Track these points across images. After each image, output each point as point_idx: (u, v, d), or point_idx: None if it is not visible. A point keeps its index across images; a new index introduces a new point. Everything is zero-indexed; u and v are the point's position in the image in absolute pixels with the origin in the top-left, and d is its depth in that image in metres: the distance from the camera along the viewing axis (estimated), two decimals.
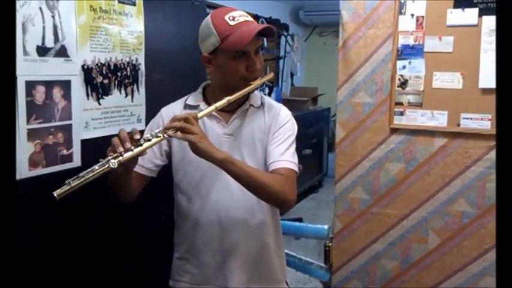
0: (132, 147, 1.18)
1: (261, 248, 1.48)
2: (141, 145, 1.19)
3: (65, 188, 1.08)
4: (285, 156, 1.39)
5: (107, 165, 1.14)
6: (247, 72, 1.36)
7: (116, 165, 1.14)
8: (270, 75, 1.51)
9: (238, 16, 1.34)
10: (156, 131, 1.23)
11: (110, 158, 1.15)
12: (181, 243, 1.50)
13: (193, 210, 1.44)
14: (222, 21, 1.32)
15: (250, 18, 1.36)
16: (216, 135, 1.37)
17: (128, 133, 1.21)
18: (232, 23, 1.32)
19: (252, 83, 1.38)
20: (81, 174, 1.11)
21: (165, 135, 1.22)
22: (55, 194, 1.07)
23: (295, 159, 1.42)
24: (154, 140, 1.21)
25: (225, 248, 1.44)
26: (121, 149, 1.17)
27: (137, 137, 1.21)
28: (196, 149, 1.22)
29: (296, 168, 1.40)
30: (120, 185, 1.32)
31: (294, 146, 1.44)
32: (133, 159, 1.21)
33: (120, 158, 1.16)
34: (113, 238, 1.64)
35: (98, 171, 1.13)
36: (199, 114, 1.29)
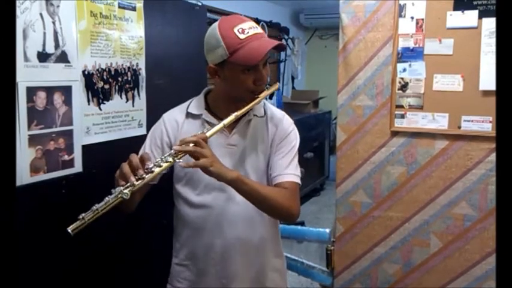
0: (144, 175, 1.17)
1: (262, 257, 1.48)
2: (151, 172, 1.18)
3: (79, 223, 1.09)
4: (289, 170, 1.40)
5: (119, 196, 1.13)
6: (254, 85, 1.34)
7: (129, 196, 1.14)
8: (275, 87, 1.50)
9: (247, 28, 1.29)
10: (166, 155, 1.21)
11: (122, 188, 1.14)
12: (181, 249, 1.50)
13: (195, 218, 1.43)
14: (230, 33, 1.28)
15: (259, 30, 1.32)
16: (219, 146, 1.36)
17: (139, 159, 1.19)
18: (242, 36, 1.27)
19: (258, 96, 1.36)
20: (94, 207, 1.11)
21: (176, 160, 1.20)
22: (69, 230, 1.08)
23: (298, 171, 1.43)
24: (164, 165, 1.19)
25: (226, 256, 1.43)
26: (132, 178, 1.15)
27: (149, 165, 1.19)
28: (208, 172, 1.22)
29: (299, 181, 1.41)
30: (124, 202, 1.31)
31: (296, 158, 1.44)
32: (144, 185, 1.20)
33: (132, 187, 1.15)
34: (114, 242, 1.64)
35: (110, 203, 1.12)
36: (208, 134, 1.26)
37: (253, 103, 1.36)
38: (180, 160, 1.20)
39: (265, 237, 1.47)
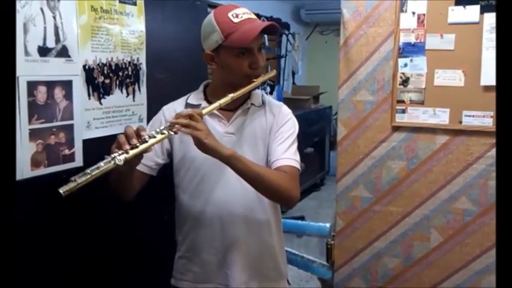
0: (138, 144, 1.17)
1: (262, 246, 1.49)
2: (146, 142, 1.18)
3: (71, 184, 1.07)
4: (287, 154, 1.40)
5: (112, 162, 1.12)
6: (250, 69, 1.36)
7: (122, 162, 1.13)
8: (272, 73, 1.51)
9: (241, 13, 1.34)
10: (161, 128, 1.22)
11: (115, 154, 1.14)
12: (183, 242, 1.50)
13: (195, 208, 1.44)
14: (225, 18, 1.32)
15: (253, 16, 1.37)
16: (217, 134, 1.36)
17: (134, 131, 1.20)
18: (235, 20, 1.32)
19: (254, 80, 1.38)
20: (87, 170, 1.10)
21: (171, 132, 1.21)
22: (61, 191, 1.05)
23: (297, 157, 1.42)
24: (159, 136, 1.20)
25: (226, 245, 1.44)
26: (127, 146, 1.16)
27: (143, 133, 1.20)
28: (202, 145, 1.22)
29: (298, 166, 1.41)
30: (121, 183, 1.32)
31: (295, 144, 1.44)
32: (138, 157, 1.21)
33: (126, 155, 1.15)
34: (115, 237, 1.64)
35: (103, 168, 1.11)
36: (204, 111, 1.28)
37: (249, 86, 1.38)
38: (174, 133, 1.21)
39: (266, 226, 1.47)
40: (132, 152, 1.16)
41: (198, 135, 1.20)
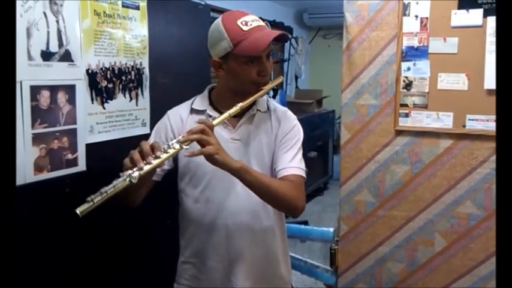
0: (152, 160, 1.17)
1: (267, 253, 1.48)
2: (159, 157, 1.18)
3: (87, 205, 1.06)
4: (293, 163, 1.39)
5: (128, 180, 1.12)
6: (258, 76, 1.35)
7: (137, 180, 1.13)
8: (280, 80, 1.51)
9: (250, 21, 1.32)
10: (173, 142, 1.21)
11: (130, 172, 1.13)
12: (186, 247, 1.50)
13: (199, 214, 1.43)
14: (234, 26, 1.30)
15: (262, 23, 1.35)
16: (223, 140, 1.36)
17: (150, 147, 1.19)
18: (245, 28, 1.30)
19: (263, 87, 1.38)
20: (102, 190, 1.09)
21: (183, 146, 1.20)
22: (78, 212, 1.05)
23: (303, 164, 1.42)
24: (171, 151, 1.20)
25: (232, 252, 1.43)
26: (142, 164, 1.15)
27: (158, 152, 1.18)
28: (213, 160, 1.22)
29: (304, 174, 1.41)
30: (130, 194, 1.30)
31: (301, 152, 1.44)
32: (151, 172, 1.20)
33: (140, 171, 1.14)
34: (118, 242, 1.64)
35: (119, 186, 1.11)
36: (214, 122, 1.27)
37: (258, 94, 1.37)
38: (187, 147, 1.20)
39: (270, 233, 1.47)
40: (146, 169, 1.15)
41: (208, 151, 1.20)
